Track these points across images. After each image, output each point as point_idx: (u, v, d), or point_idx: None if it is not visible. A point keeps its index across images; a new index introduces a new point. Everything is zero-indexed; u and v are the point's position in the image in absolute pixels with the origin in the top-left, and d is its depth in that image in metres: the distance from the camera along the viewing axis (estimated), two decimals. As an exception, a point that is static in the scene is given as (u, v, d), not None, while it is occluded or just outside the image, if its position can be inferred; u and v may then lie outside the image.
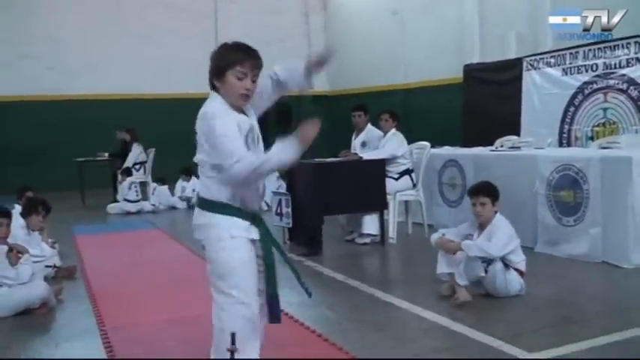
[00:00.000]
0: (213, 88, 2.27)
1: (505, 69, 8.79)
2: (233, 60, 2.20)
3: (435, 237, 3.91)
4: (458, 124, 9.52)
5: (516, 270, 3.77)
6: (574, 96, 7.52)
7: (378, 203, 5.59)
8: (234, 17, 13.10)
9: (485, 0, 9.83)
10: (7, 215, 3.95)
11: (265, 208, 5.93)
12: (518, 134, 7.87)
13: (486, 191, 3.84)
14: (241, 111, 2.26)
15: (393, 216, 5.82)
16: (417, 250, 5.42)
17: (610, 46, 7.02)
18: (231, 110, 2.21)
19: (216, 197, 2.20)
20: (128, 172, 9.00)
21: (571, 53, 7.54)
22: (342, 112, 9.20)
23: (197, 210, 2.29)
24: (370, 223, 5.69)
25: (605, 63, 7.11)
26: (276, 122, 11.73)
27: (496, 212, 3.83)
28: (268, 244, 2.28)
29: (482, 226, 3.83)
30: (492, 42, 9.59)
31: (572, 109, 7.57)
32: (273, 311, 2.29)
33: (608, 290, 4.15)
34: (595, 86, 7.26)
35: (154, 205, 8.90)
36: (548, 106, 7.91)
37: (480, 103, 9.11)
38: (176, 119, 11.93)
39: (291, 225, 5.50)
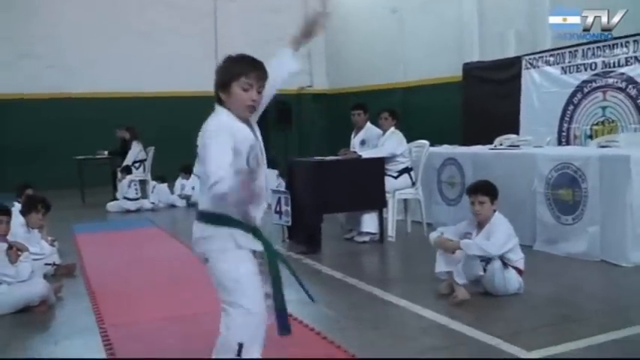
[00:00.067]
0: (219, 100, 2.26)
1: (504, 67, 8.79)
2: (238, 71, 2.20)
3: (433, 236, 3.92)
4: (457, 123, 9.52)
5: (515, 268, 3.77)
6: (573, 94, 7.53)
7: (377, 201, 5.60)
8: (234, 16, 13.10)
9: (484, -2, 9.84)
10: (7, 213, 3.96)
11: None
12: (517, 133, 7.87)
13: (485, 190, 3.85)
14: (247, 123, 2.25)
15: (392, 214, 5.83)
16: (416, 249, 5.42)
17: (609, 45, 7.02)
18: (237, 122, 2.21)
19: (217, 210, 2.19)
20: (128, 170, 9.01)
21: (570, 52, 7.55)
22: (341, 111, 9.23)
23: (197, 223, 2.26)
24: (369, 222, 5.70)
25: (604, 62, 7.12)
26: (276, 121, 11.82)
27: (495, 211, 3.84)
28: (272, 255, 2.28)
29: (480, 225, 3.84)
30: (492, 40, 9.59)
31: (571, 107, 7.58)
32: (283, 323, 2.28)
33: (606, 289, 4.16)
34: (594, 85, 7.26)
35: (153, 203, 8.91)
36: (547, 105, 7.92)
37: (479, 101, 9.11)
38: (176, 117, 12.00)
39: (290, 223, 5.51)
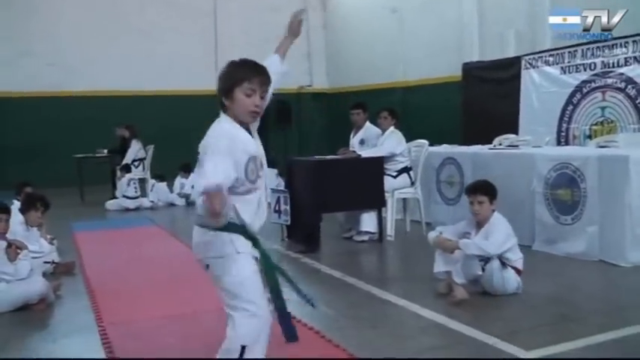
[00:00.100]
0: (223, 107, 2.25)
1: (504, 67, 8.79)
2: (241, 77, 2.19)
3: (432, 235, 3.92)
4: (457, 123, 9.53)
5: (513, 268, 3.78)
6: (572, 94, 7.53)
7: (376, 201, 5.61)
8: (234, 14, 13.11)
9: (484, -2, 9.85)
10: (6, 211, 3.96)
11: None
12: (516, 132, 7.88)
13: (484, 190, 3.85)
14: (248, 130, 2.25)
15: (391, 214, 5.83)
16: (415, 248, 5.43)
17: (608, 45, 7.03)
18: (239, 132, 2.21)
19: None
20: (127, 169, 9.01)
21: (569, 52, 7.55)
22: (341, 110, 9.23)
23: (197, 229, 2.25)
24: (368, 221, 5.70)
25: (603, 62, 7.12)
26: (275, 120, 11.82)
27: (493, 211, 3.84)
28: (270, 267, 2.28)
29: (479, 225, 3.84)
30: (491, 40, 9.60)
31: (570, 107, 7.58)
32: (289, 330, 2.29)
33: (604, 288, 4.16)
34: (593, 85, 7.27)
35: (152, 201, 8.91)
36: (546, 105, 7.92)
37: (478, 101, 9.11)
38: (175, 116, 12.01)
39: (289, 222, 5.51)
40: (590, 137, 7.17)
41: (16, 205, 4.85)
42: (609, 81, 7.06)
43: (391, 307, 3.71)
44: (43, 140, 11.42)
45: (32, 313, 3.74)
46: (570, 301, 3.77)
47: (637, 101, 6.78)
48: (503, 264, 3.74)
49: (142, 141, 9.52)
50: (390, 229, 5.77)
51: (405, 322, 3.49)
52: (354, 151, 6.00)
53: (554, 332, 3.15)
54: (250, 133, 2.28)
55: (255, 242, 2.26)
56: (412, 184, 6.01)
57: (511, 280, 3.75)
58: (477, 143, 6.83)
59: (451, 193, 6.21)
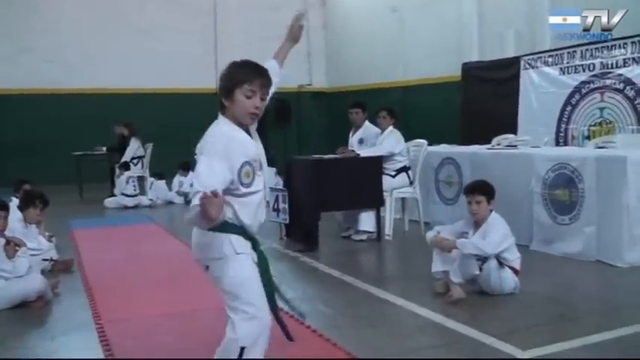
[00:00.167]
0: (222, 107, 2.25)
1: (503, 67, 8.80)
2: (242, 78, 2.19)
3: (430, 235, 3.94)
4: (456, 122, 9.54)
5: (511, 268, 3.79)
6: (571, 95, 7.54)
7: (374, 200, 5.61)
8: (234, 13, 13.10)
9: (484, -2, 9.86)
10: (5, 208, 3.96)
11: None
12: (515, 133, 7.89)
13: (482, 189, 3.86)
14: (247, 132, 2.25)
15: (389, 213, 5.84)
16: (413, 248, 5.44)
17: (607, 46, 7.04)
18: (238, 133, 2.20)
19: None
20: (126, 167, 9.01)
21: (569, 52, 7.57)
22: (340, 109, 9.22)
23: (197, 229, 2.23)
24: (367, 220, 5.71)
25: (602, 63, 7.14)
26: (275, 119, 11.82)
27: (491, 210, 3.85)
28: (266, 265, 2.28)
29: (477, 224, 3.85)
30: (491, 40, 9.61)
31: (569, 108, 7.60)
32: (285, 332, 2.30)
33: (601, 289, 4.17)
34: (592, 86, 7.28)
35: (151, 199, 8.91)
36: (545, 105, 7.94)
37: (478, 101, 9.13)
38: (175, 114, 12.01)
39: (287, 221, 5.52)
40: (588, 138, 7.18)
41: (14, 202, 4.85)
42: (608, 82, 7.07)
43: (389, 306, 3.72)
44: (42, 137, 11.42)
45: (30, 311, 3.74)
46: (567, 301, 3.78)
47: (635, 102, 6.80)
48: (501, 264, 3.75)
49: (141, 139, 9.52)
50: (388, 229, 5.78)
51: (402, 321, 3.50)
52: (353, 151, 6.00)
53: (550, 332, 3.16)
54: (249, 134, 2.27)
55: (254, 243, 2.27)
56: (411, 183, 6.02)
57: (508, 280, 3.76)
58: (476, 143, 6.84)
59: (450, 192, 6.22)
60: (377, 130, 6.07)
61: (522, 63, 8.34)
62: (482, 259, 3.72)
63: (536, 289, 3.92)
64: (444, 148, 6.63)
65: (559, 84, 7.73)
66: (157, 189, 9.17)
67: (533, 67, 8.17)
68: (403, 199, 6.19)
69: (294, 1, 13.14)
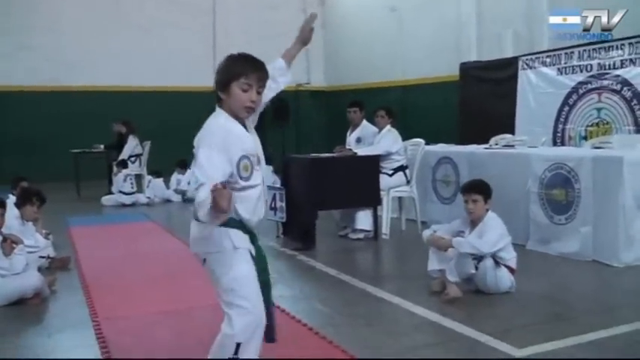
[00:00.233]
0: (218, 100, 2.25)
1: (501, 67, 8.82)
2: (238, 71, 2.18)
3: (426, 233, 3.95)
4: (454, 122, 9.56)
5: (507, 267, 3.80)
6: (568, 95, 7.57)
7: (371, 199, 5.63)
8: (233, 12, 13.11)
9: (482, -2, 9.88)
10: (2, 205, 3.96)
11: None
12: (513, 133, 7.91)
13: (478, 189, 3.87)
14: (244, 125, 2.25)
15: (386, 212, 5.85)
16: (410, 247, 5.45)
17: (605, 47, 7.06)
18: (235, 126, 2.20)
19: None
20: (124, 165, 9.01)
21: (566, 53, 7.59)
22: (339, 108, 9.24)
23: (195, 222, 2.22)
24: (364, 219, 5.72)
25: (599, 63, 7.16)
26: (273, 118, 11.82)
27: (488, 210, 3.86)
28: (263, 259, 2.29)
29: (474, 223, 3.86)
30: (489, 40, 9.62)
31: (566, 108, 7.62)
32: (269, 329, 2.28)
33: (597, 288, 4.19)
34: (589, 86, 7.30)
35: (148, 197, 8.91)
36: (543, 105, 7.96)
37: (476, 101, 9.14)
38: (173, 112, 12.00)
39: (285, 219, 5.52)
40: (585, 138, 7.21)
41: (11, 199, 4.85)
42: (605, 82, 7.10)
43: (385, 305, 3.73)
44: (40, 135, 11.41)
45: (27, 308, 3.74)
46: (563, 300, 3.80)
47: (632, 103, 6.82)
48: (497, 263, 3.76)
49: (139, 137, 9.51)
50: (385, 228, 5.79)
51: (399, 319, 3.51)
52: (351, 149, 6.01)
53: (546, 331, 3.17)
54: (246, 127, 2.27)
55: (252, 237, 2.27)
56: (408, 182, 6.03)
57: (504, 279, 3.78)
58: (474, 143, 6.86)
59: (447, 192, 6.23)
60: (374, 129, 6.08)
61: (520, 63, 8.36)
62: (479, 258, 3.73)
63: (532, 289, 3.94)
64: (441, 148, 6.64)
65: (557, 84, 7.75)
66: (155, 187, 9.17)
67: (531, 68, 8.19)
68: (400, 198, 6.20)
69: (292, 1, 13.17)
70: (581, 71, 7.41)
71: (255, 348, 2.23)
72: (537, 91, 8.08)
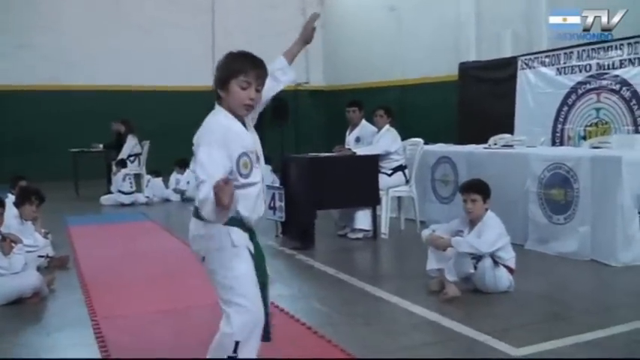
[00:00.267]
0: (218, 98, 2.25)
1: (500, 67, 8.83)
2: (237, 69, 2.18)
3: (425, 233, 3.95)
4: (453, 122, 9.56)
5: (506, 267, 3.81)
6: (567, 95, 7.57)
7: (370, 199, 5.63)
8: (232, 11, 13.11)
9: (481, -2, 9.88)
10: (1, 205, 3.95)
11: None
12: (512, 132, 7.92)
13: (477, 188, 3.88)
14: (243, 123, 2.25)
15: (385, 212, 5.86)
16: (409, 246, 5.46)
17: (604, 47, 7.07)
18: (234, 124, 2.20)
19: None
20: (123, 164, 9.00)
21: (565, 53, 7.60)
22: (338, 108, 9.23)
23: (194, 220, 2.22)
24: (363, 219, 5.73)
25: (598, 64, 7.17)
26: (272, 117, 11.82)
27: (487, 209, 3.87)
28: (261, 261, 2.28)
29: (472, 223, 3.87)
30: (488, 40, 9.63)
31: (565, 108, 7.62)
32: (265, 328, 2.27)
33: (595, 288, 4.20)
34: (588, 86, 7.31)
35: (147, 197, 8.90)
36: (542, 105, 7.96)
37: (475, 101, 9.15)
38: (172, 112, 11.99)
39: (284, 219, 5.53)
40: (584, 138, 7.21)
41: (10, 198, 4.85)
42: (604, 83, 7.10)
43: (384, 304, 3.73)
44: (39, 134, 11.40)
45: (26, 307, 3.74)
46: (561, 300, 3.80)
47: (631, 103, 6.82)
48: (496, 262, 3.77)
49: (139, 136, 9.51)
50: (384, 227, 5.79)
51: (397, 318, 3.51)
52: (350, 149, 6.01)
53: (543, 330, 3.18)
54: (245, 125, 2.27)
55: (251, 235, 2.27)
56: (407, 182, 6.03)
57: (503, 279, 3.78)
58: (473, 142, 6.86)
59: (445, 191, 6.23)
60: (373, 128, 6.09)
61: (519, 63, 8.36)
62: (477, 258, 3.73)
63: (530, 288, 3.94)
64: (440, 147, 6.65)
65: (556, 84, 7.75)
66: (154, 186, 9.17)
67: (530, 68, 8.20)
68: (399, 197, 6.20)
69: (292, 0, 13.17)
70: (580, 71, 7.41)
71: (254, 346, 2.23)
72: (536, 91, 8.09)
